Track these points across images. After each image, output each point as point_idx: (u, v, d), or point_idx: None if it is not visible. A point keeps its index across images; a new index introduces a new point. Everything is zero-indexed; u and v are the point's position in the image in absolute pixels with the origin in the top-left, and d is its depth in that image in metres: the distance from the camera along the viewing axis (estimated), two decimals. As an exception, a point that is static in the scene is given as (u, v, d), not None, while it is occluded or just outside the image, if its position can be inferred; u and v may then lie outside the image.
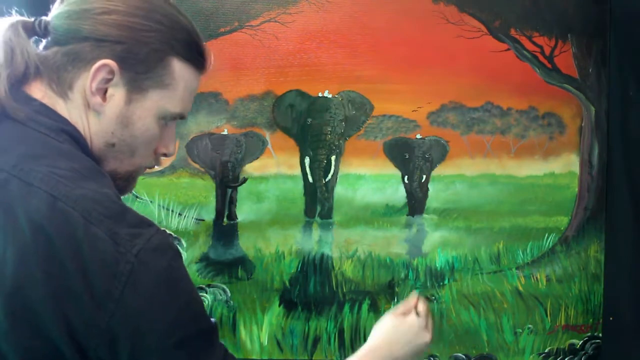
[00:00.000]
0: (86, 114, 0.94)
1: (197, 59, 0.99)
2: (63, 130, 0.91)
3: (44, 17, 0.96)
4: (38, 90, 0.93)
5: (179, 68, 0.97)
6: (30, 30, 0.94)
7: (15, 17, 0.95)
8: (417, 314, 1.25)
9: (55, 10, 0.96)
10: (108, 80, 0.92)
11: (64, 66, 0.92)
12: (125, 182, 1.00)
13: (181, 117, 1.01)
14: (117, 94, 0.93)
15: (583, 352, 1.98)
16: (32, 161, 0.86)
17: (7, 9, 0.99)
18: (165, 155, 1.03)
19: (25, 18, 0.95)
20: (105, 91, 0.93)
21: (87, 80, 0.92)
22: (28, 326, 0.81)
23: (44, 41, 0.95)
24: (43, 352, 0.82)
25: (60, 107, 0.93)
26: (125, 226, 0.84)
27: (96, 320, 0.81)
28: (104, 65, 0.91)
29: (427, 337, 1.24)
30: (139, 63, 0.93)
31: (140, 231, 0.84)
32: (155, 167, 1.05)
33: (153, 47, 0.94)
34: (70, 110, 0.93)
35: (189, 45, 0.97)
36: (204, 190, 1.95)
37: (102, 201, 0.85)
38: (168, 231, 1.88)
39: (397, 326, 1.23)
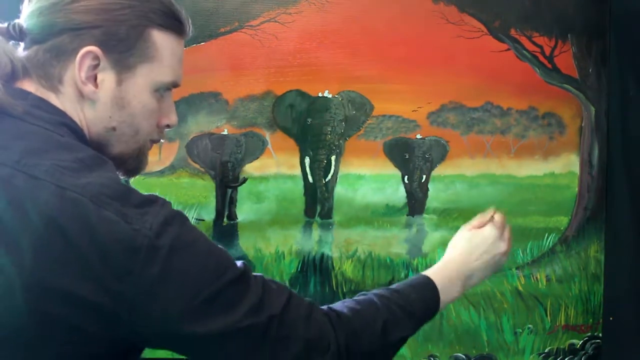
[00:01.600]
0: (80, 105, 0.95)
1: (175, 24, 0.99)
2: (61, 123, 0.92)
3: (16, 21, 0.96)
4: (30, 86, 0.94)
5: (161, 38, 0.97)
6: (6, 35, 0.95)
7: None
8: (493, 225, 1.23)
9: (26, 11, 0.96)
10: (95, 66, 0.93)
11: (49, 62, 0.93)
12: (136, 161, 1.02)
13: (174, 85, 1.01)
14: (107, 77, 0.94)
15: (583, 352, 1.98)
16: (35, 155, 0.86)
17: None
18: (168, 126, 1.04)
19: None
20: (95, 77, 0.93)
21: (75, 71, 0.93)
22: (51, 316, 0.83)
23: (22, 44, 0.96)
24: (69, 339, 0.85)
25: (54, 101, 0.94)
26: (131, 206, 0.86)
27: (122, 296, 0.83)
28: (88, 52, 0.92)
29: (503, 247, 1.22)
30: (121, 42, 0.93)
31: (147, 209, 0.87)
32: (161, 140, 1.06)
33: (130, 23, 0.94)
34: (64, 102, 0.94)
35: (164, 14, 0.97)
36: (204, 190, 1.95)
37: (108, 184, 0.86)
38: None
39: (471, 238, 1.23)
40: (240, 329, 0.89)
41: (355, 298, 1.08)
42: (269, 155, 1.95)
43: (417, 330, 1.11)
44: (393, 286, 1.11)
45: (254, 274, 0.97)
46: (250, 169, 1.96)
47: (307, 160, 1.96)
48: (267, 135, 1.95)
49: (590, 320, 1.98)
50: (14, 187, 0.84)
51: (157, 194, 0.92)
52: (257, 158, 1.96)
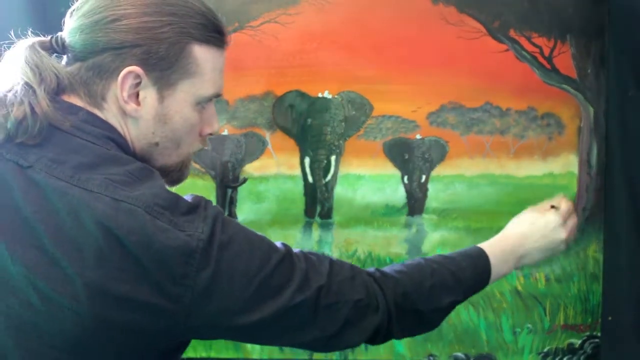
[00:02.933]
0: (124, 121, 0.96)
1: (215, 37, 0.99)
2: (109, 138, 0.94)
3: (59, 34, 0.97)
4: (79, 101, 0.95)
5: (201, 53, 0.97)
6: (49, 49, 0.96)
7: (31, 39, 0.96)
8: (558, 212, 1.27)
9: (68, 25, 0.97)
10: (137, 85, 0.94)
11: (92, 79, 0.94)
12: (179, 172, 1.04)
13: (216, 96, 1.02)
14: (149, 95, 0.95)
15: (582, 351, 1.99)
16: (87, 171, 0.89)
17: (22, 31, 0.99)
18: (211, 134, 1.05)
19: (42, 38, 0.97)
20: (137, 95, 0.95)
21: (117, 90, 0.94)
22: (113, 320, 0.87)
23: (64, 57, 0.97)
24: (129, 341, 0.89)
25: (100, 116, 0.96)
26: (180, 215, 0.89)
27: (179, 298, 0.87)
28: (129, 72, 0.93)
29: (562, 234, 1.26)
30: (162, 60, 0.94)
31: (194, 216, 0.90)
32: (205, 148, 1.08)
33: (170, 40, 0.94)
34: (109, 118, 0.96)
35: (205, 28, 0.98)
36: (204, 190, 1.95)
37: (159, 194, 0.90)
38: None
39: (533, 220, 1.26)
40: (292, 307, 0.93)
41: (403, 262, 1.12)
42: (269, 155, 1.96)
43: (467, 299, 1.14)
44: (445, 253, 1.15)
45: (294, 250, 0.99)
46: (250, 169, 1.96)
47: (307, 160, 1.96)
48: (267, 136, 1.95)
49: (589, 319, 1.99)
50: (70, 199, 0.87)
51: (196, 194, 0.94)
52: (257, 158, 1.96)
